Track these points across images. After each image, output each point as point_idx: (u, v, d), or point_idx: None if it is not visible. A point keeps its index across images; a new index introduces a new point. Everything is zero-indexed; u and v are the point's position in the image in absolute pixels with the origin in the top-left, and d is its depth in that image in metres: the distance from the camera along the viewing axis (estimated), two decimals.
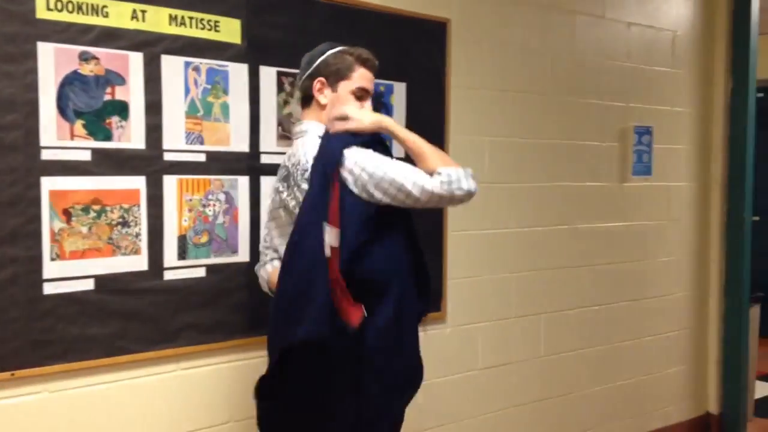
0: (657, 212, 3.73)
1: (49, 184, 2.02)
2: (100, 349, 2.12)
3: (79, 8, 2.05)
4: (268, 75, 2.40)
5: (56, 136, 2.02)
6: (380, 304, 1.81)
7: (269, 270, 2.07)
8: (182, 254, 2.25)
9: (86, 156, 2.08)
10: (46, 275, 2.02)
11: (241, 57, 2.34)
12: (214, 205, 2.32)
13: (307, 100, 2.01)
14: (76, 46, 2.05)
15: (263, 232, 2.15)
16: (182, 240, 2.25)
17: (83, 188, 2.07)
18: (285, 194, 1.98)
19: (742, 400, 3.97)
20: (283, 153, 2.38)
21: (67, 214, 2.05)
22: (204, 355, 2.33)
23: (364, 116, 1.90)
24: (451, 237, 2.93)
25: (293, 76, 2.41)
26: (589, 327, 3.47)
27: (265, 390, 1.87)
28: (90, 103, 2.08)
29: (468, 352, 3.04)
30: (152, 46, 2.17)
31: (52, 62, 2.01)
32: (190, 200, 2.27)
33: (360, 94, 1.97)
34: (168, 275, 2.23)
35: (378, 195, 1.80)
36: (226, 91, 2.32)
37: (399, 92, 2.72)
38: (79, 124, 2.06)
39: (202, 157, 2.28)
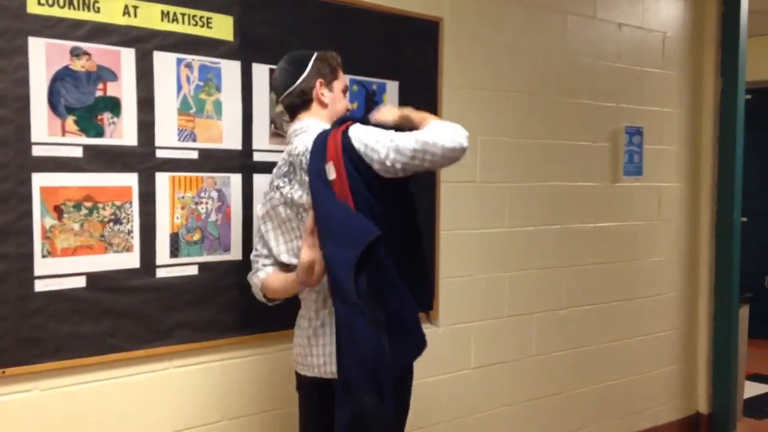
0: (647, 212, 3.75)
1: (40, 180, 2.00)
2: (91, 347, 2.10)
3: (71, 3, 2.03)
4: (260, 72, 2.39)
5: (47, 132, 2.01)
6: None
7: (262, 277, 2.06)
8: (174, 252, 2.24)
9: (78, 152, 2.06)
10: (37, 272, 2.00)
11: (233, 54, 2.33)
12: (207, 202, 2.30)
13: (305, 102, 2.04)
14: (68, 42, 2.03)
15: (255, 239, 2.13)
16: (174, 238, 2.24)
17: (75, 185, 2.05)
18: (287, 188, 1.98)
19: (731, 399, 3.99)
20: (276, 151, 2.39)
21: (59, 211, 2.03)
22: (196, 353, 2.31)
23: (394, 113, 2.04)
24: (443, 236, 2.93)
25: None
26: (580, 327, 3.48)
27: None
28: (81, 99, 2.06)
29: (460, 352, 3.04)
30: (144, 42, 2.16)
31: (43, 57, 2.00)
32: (183, 198, 2.25)
33: (345, 90, 2.13)
34: (160, 273, 2.22)
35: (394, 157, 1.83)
36: (218, 88, 2.31)
37: (391, 91, 2.72)
38: (70, 120, 2.05)
39: (194, 155, 2.27)
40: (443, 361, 2.98)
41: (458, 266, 3.00)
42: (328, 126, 1.99)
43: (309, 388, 2.03)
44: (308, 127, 2.00)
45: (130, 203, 2.15)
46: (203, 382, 2.34)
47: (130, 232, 2.16)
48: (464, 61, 2.97)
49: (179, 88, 2.23)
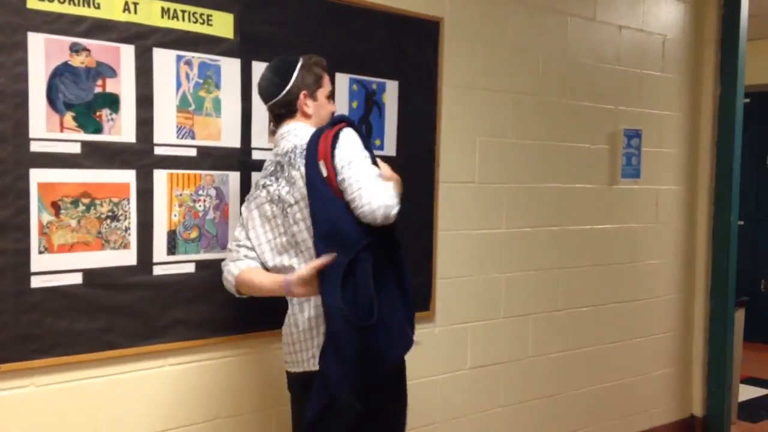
0: (645, 215, 3.75)
1: (37, 176, 1.99)
2: (87, 343, 2.10)
3: None
4: (260, 71, 2.34)
5: (46, 128, 2.00)
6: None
7: (242, 267, 2.04)
8: (172, 249, 2.24)
9: (76, 148, 2.05)
10: (33, 268, 2.00)
11: (233, 52, 2.33)
12: (205, 200, 2.30)
13: (290, 112, 2.07)
14: (67, 38, 2.03)
15: (237, 231, 2.11)
16: (172, 235, 2.24)
17: (72, 181, 2.05)
18: (273, 186, 2.01)
19: (726, 403, 4.00)
20: None
21: (56, 207, 2.03)
22: (192, 351, 2.31)
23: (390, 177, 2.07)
24: (441, 237, 2.92)
25: None
26: (576, 328, 3.48)
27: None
28: (80, 95, 2.06)
29: (457, 352, 3.04)
30: (144, 39, 2.15)
31: (42, 53, 1.99)
32: (180, 195, 2.25)
33: (330, 95, 2.15)
34: (157, 270, 2.21)
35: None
36: (218, 86, 2.31)
37: (391, 90, 2.72)
38: (69, 117, 2.04)
39: (193, 152, 2.27)
40: (440, 362, 2.98)
41: (456, 267, 3.00)
42: (314, 129, 2.02)
43: (298, 387, 2.05)
44: (295, 130, 2.04)
45: (128, 200, 2.15)
46: (199, 380, 2.34)
47: (127, 229, 2.15)
48: (464, 61, 2.97)
49: (178, 85, 2.23)
